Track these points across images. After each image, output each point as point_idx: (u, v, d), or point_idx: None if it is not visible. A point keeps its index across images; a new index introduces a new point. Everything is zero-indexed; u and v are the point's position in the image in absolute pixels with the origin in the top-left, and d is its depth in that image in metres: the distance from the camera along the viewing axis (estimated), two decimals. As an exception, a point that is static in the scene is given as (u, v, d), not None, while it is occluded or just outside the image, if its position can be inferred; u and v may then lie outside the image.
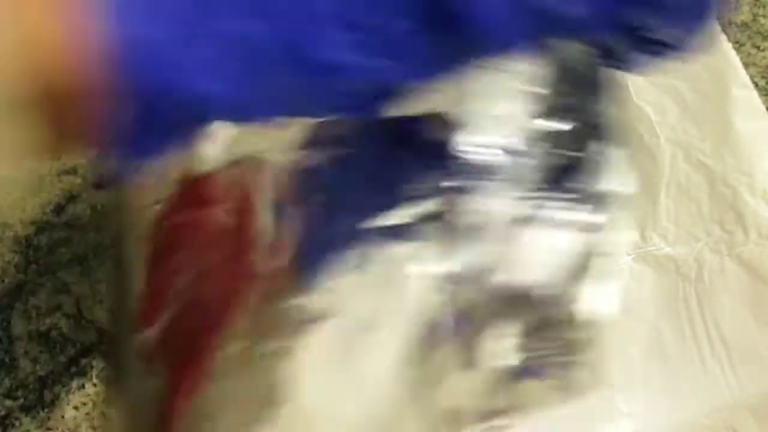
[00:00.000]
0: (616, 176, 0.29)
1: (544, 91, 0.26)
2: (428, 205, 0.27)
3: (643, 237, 0.36)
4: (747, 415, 0.31)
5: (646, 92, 0.40)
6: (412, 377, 0.28)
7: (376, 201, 0.28)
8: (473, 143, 0.26)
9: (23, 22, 0.11)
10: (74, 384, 0.33)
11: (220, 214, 0.30)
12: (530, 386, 0.29)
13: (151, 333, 0.30)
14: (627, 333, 0.33)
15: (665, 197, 0.37)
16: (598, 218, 0.29)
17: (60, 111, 0.13)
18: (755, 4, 0.52)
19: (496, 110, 0.25)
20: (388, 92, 0.18)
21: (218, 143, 0.31)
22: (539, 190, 0.27)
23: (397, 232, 0.27)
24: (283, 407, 0.27)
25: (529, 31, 0.18)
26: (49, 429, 0.31)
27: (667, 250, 0.35)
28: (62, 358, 0.33)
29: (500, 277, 0.28)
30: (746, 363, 0.32)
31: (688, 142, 0.38)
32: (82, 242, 0.36)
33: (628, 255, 0.35)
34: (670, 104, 0.40)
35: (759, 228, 0.36)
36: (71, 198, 0.37)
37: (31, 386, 0.32)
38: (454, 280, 0.27)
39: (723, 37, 0.42)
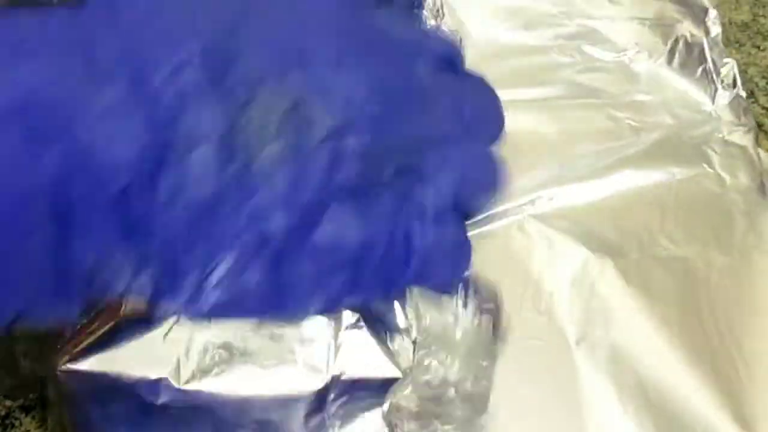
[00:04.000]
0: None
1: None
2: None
3: (651, 238, 0.36)
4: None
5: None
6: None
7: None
8: None
9: None
10: (75, 384, 0.32)
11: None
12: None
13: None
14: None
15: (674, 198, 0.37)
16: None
17: None
18: (755, 4, 0.52)
19: None
20: None
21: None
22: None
23: None
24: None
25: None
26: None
27: (676, 251, 0.35)
28: (63, 358, 0.32)
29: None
30: (757, 366, 0.32)
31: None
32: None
33: (635, 256, 0.35)
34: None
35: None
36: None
37: (31, 386, 0.32)
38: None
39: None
